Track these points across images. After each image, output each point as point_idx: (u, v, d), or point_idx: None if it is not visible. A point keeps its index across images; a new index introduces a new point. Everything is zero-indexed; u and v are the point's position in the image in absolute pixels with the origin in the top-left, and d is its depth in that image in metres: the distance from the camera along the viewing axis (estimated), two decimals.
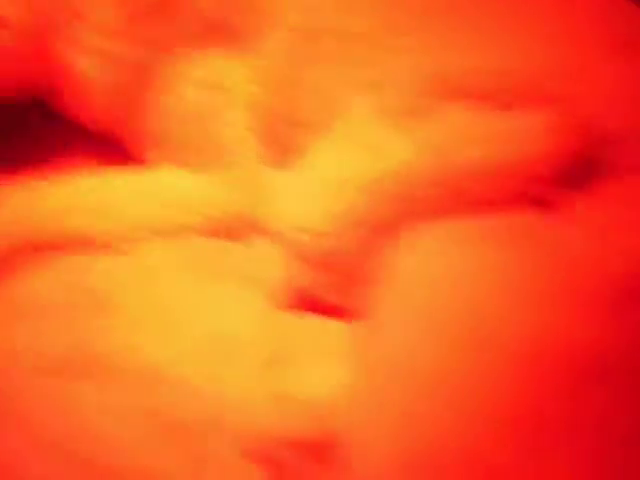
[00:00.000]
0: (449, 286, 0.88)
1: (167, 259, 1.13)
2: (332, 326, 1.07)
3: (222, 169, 1.17)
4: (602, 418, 0.79)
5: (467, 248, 0.90)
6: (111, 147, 1.23)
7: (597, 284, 0.85)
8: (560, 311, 0.83)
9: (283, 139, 1.14)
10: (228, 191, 1.17)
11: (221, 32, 1.15)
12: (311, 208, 1.06)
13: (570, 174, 0.93)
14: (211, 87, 1.16)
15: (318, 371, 0.99)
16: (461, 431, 0.79)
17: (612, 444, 0.79)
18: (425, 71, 1.05)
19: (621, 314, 0.83)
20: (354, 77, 1.09)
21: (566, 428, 0.79)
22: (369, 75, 1.08)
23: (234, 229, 1.16)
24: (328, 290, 1.06)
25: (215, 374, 1.00)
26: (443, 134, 0.98)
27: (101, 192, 1.17)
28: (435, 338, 0.85)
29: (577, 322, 0.82)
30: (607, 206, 0.92)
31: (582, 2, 1.10)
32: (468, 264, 0.89)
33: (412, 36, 1.08)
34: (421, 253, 0.92)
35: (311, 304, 1.08)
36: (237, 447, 0.93)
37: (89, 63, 1.17)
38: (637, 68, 1.02)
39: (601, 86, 1.00)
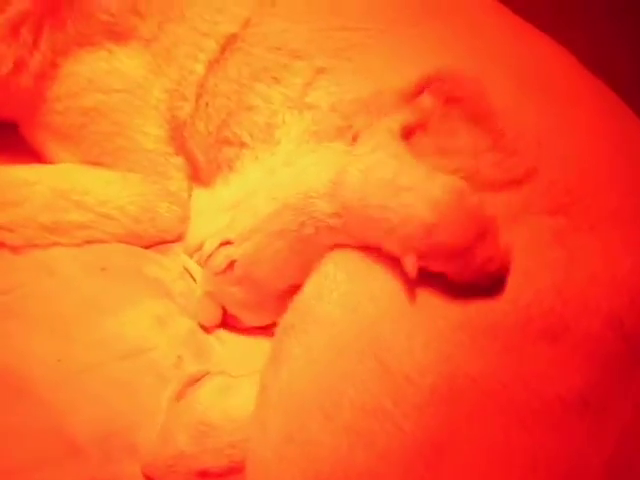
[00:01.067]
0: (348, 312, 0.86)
1: (71, 261, 1.09)
2: (242, 343, 1.05)
3: (131, 171, 1.14)
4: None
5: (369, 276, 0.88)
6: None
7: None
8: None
9: (210, 155, 1.13)
10: (139, 194, 1.14)
11: (119, 33, 1.11)
12: (212, 227, 1.06)
13: None
14: (114, 90, 1.12)
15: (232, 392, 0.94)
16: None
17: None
18: (359, 92, 1.03)
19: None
20: (288, 97, 1.08)
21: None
22: (303, 95, 1.08)
23: (147, 237, 1.14)
24: (238, 304, 1.03)
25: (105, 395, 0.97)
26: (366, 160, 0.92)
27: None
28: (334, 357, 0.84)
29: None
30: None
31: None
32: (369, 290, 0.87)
33: (352, 57, 1.06)
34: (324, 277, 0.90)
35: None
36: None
37: None
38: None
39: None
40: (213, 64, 1.11)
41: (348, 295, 0.88)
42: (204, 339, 1.05)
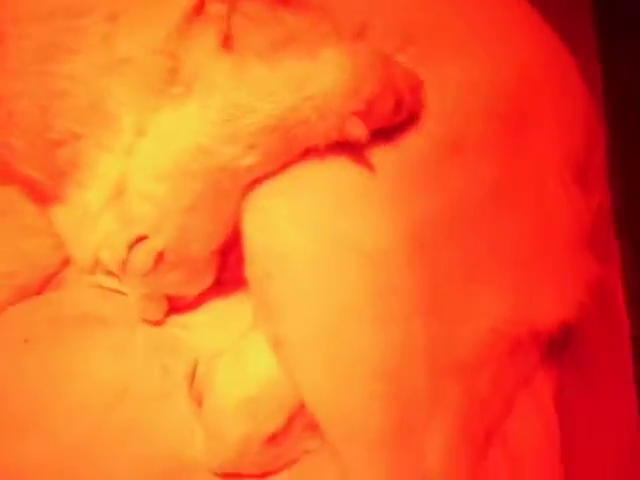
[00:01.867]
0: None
1: None
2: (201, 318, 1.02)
3: None
4: None
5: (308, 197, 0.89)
6: None
7: None
8: None
9: (47, 168, 0.98)
10: None
11: None
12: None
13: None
14: None
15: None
16: None
17: None
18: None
19: None
20: (93, 62, 0.96)
21: None
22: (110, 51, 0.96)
23: (34, 284, 1.04)
24: (180, 286, 0.99)
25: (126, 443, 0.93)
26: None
27: None
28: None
29: None
30: None
31: None
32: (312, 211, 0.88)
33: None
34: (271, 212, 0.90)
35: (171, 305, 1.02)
36: None
37: None
38: None
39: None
40: None
41: (296, 215, 0.89)
42: (168, 337, 1.01)
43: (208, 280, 1.01)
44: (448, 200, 0.89)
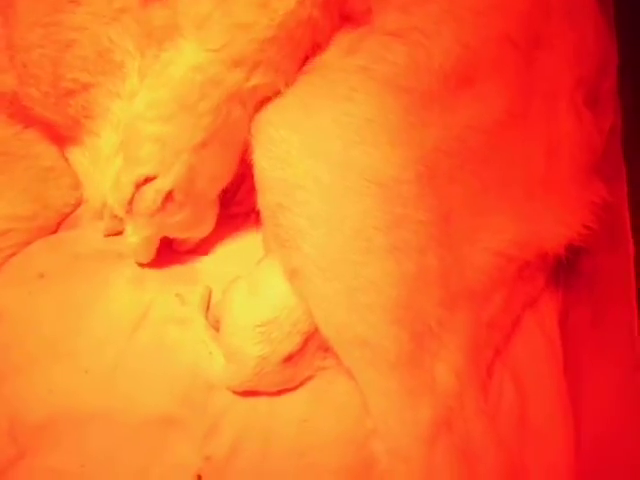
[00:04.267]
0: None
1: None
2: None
3: None
4: None
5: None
6: None
7: None
8: None
9: (62, 114, 1.00)
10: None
11: None
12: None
13: None
14: None
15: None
16: None
17: None
18: None
19: None
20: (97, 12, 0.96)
21: None
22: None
23: (51, 222, 1.06)
24: (184, 228, 1.00)
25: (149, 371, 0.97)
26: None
27: None
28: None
29: None
30: None
31: None
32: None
33: None
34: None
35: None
36: None
37: None
38: None
39: None
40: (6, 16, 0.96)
41: (308, 145, 0.89)
42: (181, 268, 1.04)
43: (211, 223, 1.02)
44: (458, 129, 0.89)
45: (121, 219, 1.00)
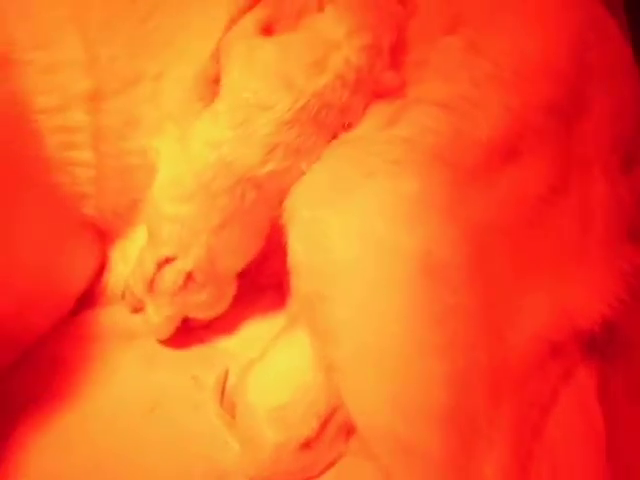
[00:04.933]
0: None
1: None
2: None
3: None
4: None
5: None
6: None
7: None
8: None
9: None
10: None
11: None
12: None
13: None
14: None
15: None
16: None
17: None
18: None
19: None
20: None
21: None
22: None
23: None
24: (204, 307, 0.96)
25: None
26: None
27: None
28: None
29: None
30: None
31: None
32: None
33: None
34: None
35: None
36: None
37: None
38: None
39: None
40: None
41: (349, 228, 0.82)
42: (197, 348, 1.00)
43: (227, 302, 0.98)
44: (501, 206, 0.84)
45: (140, 299, 0.98)
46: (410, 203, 0.81)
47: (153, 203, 0.93)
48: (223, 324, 1.01)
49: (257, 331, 1.01)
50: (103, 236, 1.01)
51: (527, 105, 0.84)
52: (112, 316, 1.02)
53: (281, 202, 0.88)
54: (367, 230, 0.81)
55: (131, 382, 0.96)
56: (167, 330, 0.98)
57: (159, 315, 0.96)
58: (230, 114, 0.89)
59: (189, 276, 0.93)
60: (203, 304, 0.96)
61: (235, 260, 0.94)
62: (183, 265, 0.92)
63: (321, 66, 0.88)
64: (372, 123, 0.88)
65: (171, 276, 0.93)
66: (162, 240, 0.92)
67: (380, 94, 0.88)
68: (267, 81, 0.88)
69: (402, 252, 0.80)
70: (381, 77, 0.87)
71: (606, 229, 0.87)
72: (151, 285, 0.94)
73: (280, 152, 0.87)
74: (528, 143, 0.84)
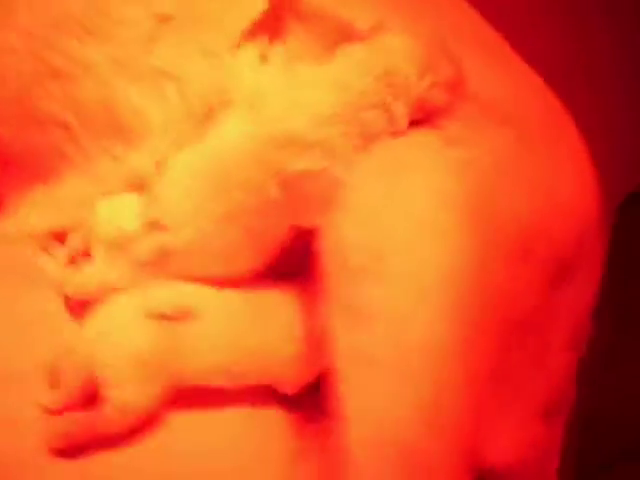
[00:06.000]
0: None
1: None
2: None
3: None
4: None
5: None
6: None
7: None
8: None
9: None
10: None
11: None
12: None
13: None
14: None
15: None
16: None
17: None
18: None
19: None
20: None
21: None
22: None
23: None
24: None
25: None
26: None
27: None
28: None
29: None
30: None
31: None
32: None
33: None
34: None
35: None
36: None
37: None
38: None
39: None
40: None
41: (398, 207, 0.80)
42: None
43: None
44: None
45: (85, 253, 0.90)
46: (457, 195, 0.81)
47: (170, 170, 0.88)
48: None
49: None
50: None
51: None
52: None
53: (300, 215, 0.84)
54: (417, 214, 0.80)
55: None
56: (98, 291, 0.88)
57: (102, 276, 0.87)
58: (267, 108, 0.85)
59: (165, 255, 0.86)
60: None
61: (218, 268, 0.87)
62: (166, 240, 0.86)
63: (370, 68, 0.85)
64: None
65: (146, 244, 0.86)
66: (161, 203, 0.87)
67: (427, 110, 0.85)
68: (313, 82, 0.85)
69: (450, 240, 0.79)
70: (430, 93, 0.85)
71: (530, 400, 0.90)
72: (122, 241, 0.87)
73: (317, 151, 0.83)
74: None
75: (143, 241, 0.86)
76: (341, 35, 0.89)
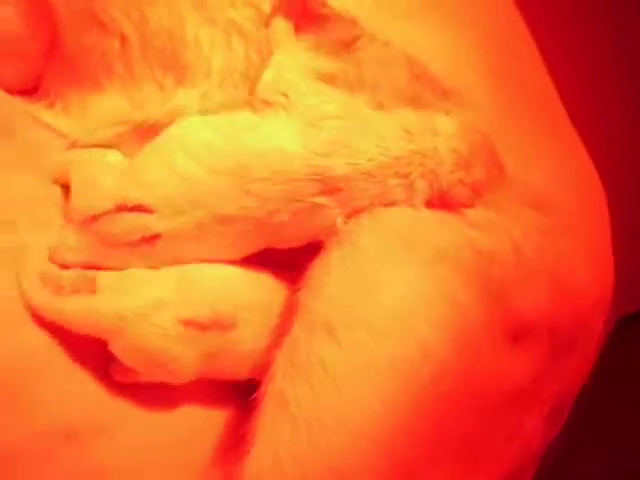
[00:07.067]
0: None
1: None
2: None
3: None
4: None
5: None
6: None
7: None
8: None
9: None
10: None
11: None
12: None
13: None
14: None
15: None
16: None
17: None
18: None
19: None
20: None
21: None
22: None
23: None
24: None
25: None
26: None
27: None
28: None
29: None
30: None
31: None
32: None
33: None
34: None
35: None
36: None
37: None
38: None
39: None
40: None
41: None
42: None
43: None
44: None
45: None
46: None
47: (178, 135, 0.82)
48: None
49: None
50: None
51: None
52: None
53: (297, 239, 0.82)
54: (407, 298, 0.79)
55: None
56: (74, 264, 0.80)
57: (73, 254, 0.80)
58: (319, 138, 0.82)
59: (150, 239, 0.79)
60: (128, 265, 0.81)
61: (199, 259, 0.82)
62: (152, 223, 0.78)
63: (414, 139, 0.84)
64: None
65: (126, 225, 0.78)
66: (149, 183, 0.79)
67: (444, 202, 0.85)
68: (363, 129, 0.83)
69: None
70: (455, 188, 0.84)
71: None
72: (92, 220, 0.79)
73: (340, 196, 0.81)
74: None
75: (120, 221, 0.79)
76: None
